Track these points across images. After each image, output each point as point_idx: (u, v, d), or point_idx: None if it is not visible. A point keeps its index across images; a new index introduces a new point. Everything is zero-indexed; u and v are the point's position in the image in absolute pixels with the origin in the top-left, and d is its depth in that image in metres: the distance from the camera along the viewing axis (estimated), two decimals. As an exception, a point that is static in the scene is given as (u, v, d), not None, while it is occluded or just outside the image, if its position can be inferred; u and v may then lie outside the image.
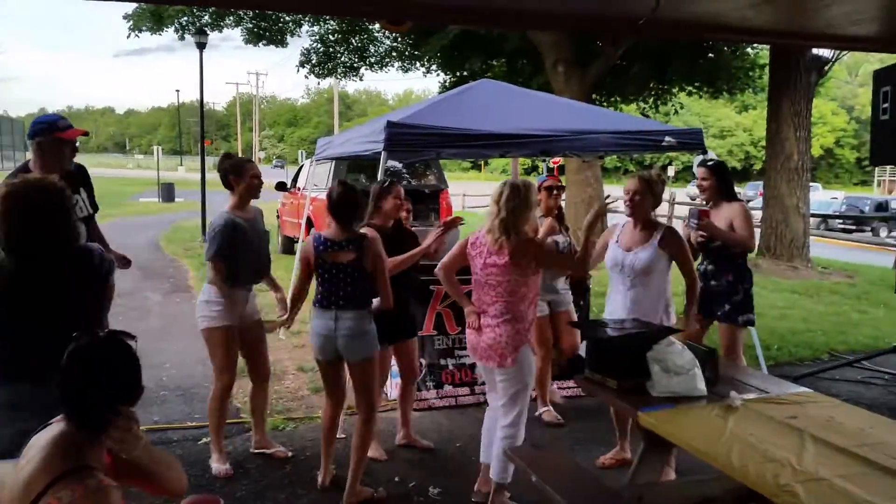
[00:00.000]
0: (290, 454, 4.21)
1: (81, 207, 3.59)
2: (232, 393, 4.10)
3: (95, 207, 3.83)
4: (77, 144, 3.65)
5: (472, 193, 26.72)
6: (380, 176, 4.95)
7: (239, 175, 3.88)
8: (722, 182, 4.38)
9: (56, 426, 1.61)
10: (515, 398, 3.44)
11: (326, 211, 3.59)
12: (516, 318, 3.38)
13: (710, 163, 4.58)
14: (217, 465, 3.95)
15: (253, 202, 4.01)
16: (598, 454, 4.23)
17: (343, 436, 4.25)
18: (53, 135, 3.37)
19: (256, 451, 4.22)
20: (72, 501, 1.41)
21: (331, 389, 3.77)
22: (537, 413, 4.87)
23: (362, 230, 3.67)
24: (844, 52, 13.07)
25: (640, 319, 3.57)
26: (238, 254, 3.82)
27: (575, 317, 4.98)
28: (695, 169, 4.67)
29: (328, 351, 3.58)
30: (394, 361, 4.35)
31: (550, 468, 2.98)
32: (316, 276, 3.58)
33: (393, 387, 4.80)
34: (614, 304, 3.87)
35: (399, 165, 10.46)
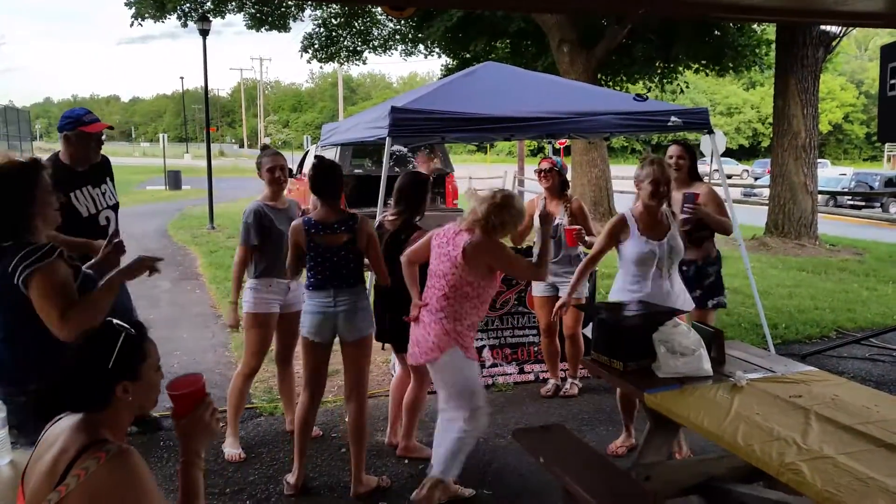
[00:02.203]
0: (321, 433, 4.29)
1: (110, 196, 3.91)
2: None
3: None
4: (103, 137, 3.86)
5: (477, 177, 26.65)
6: (384, 162, 4.97)
7: (259, 168, 4.04)
8: (693, 161, 4.38)
9: (68, 417, 1.68)
10: (458, 400, 3.27)
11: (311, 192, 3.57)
12: (451, 318, 3.22)
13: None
14: (230, 450, 4.01)
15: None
16: (606, 434, 4.27)
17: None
18: (79, 129, 3.64)
19: (290, 430, 4.27)
20: (97, 469, 1.49)
21: (311, 377, 3.59)
22: (546, 390, 4.95)
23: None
24: (852, 28, 12.91)
25: (644, 301, 3.58)
26: (264, 244, 3.89)
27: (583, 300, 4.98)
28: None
29: (325, 330, 3.47)
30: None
31: (557, 449, 3.01)
32: (308, 258, 3.50)
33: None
34: (650, 298, 3.65)
35: (404, 150, 10.45)
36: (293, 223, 3.53)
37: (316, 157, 3.67)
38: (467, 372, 3.28)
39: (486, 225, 3.18)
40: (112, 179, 4.02)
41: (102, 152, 3.98)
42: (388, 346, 4.97)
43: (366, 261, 3.56)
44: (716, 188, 4.48)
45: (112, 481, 1.49)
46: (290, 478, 3.62)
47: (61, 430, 1.64)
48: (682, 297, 3.83)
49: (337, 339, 3.55)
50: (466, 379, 3.28)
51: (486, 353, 5.21)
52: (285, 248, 3.63)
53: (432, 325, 3.26)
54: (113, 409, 1.66)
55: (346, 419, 3.69)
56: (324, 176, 3.48)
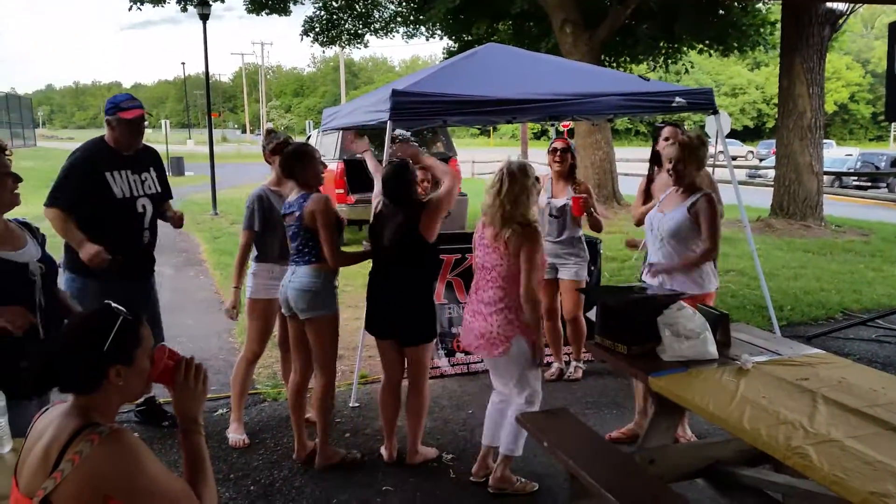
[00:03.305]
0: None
1: (151, 185, 3.94)
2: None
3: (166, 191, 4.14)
4: (146, 122, 3.90)
5: (480, 160, 26.57)
6: (386, 145, 4.92)
7: (265, 151, 4.14)
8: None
9: (55, 407, 1.68)
10: (522, 381, 3.38)
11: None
12: (509, 308, 3.28)
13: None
14: (234, 436, 4.02)
15: None
16: (610, 418, 4.26)
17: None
18: (118, 114, 3.72)
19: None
20: (91, 451, 1.49)
21: (295, 351, 3.75)
22: (550, 373, 4.94)
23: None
24: (859, 5, 12.74)
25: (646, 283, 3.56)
26: (265, 229, 3.91)
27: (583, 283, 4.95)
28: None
29: (285, 304, 3.65)
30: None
31: (561, 433, 2.99)
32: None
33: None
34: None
35: (407, 133, 10.38)
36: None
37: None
38: (531, 360, 3.34)
39: (504, 214, 3.23)
40: (159, 170, 4.05)
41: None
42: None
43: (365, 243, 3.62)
44: (721, 169, 4.42)
45: (108, 461, 1.50)
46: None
47: (51, 419, 1.63)
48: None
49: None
50: (531, 367, 3.36)
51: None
52: (278, 233, 3.75)
53: (493, 316, 3.30)
54: (104, 394, 1.64)
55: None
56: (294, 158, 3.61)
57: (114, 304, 1.71)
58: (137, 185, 3.86)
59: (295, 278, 3.56)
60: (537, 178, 3.43)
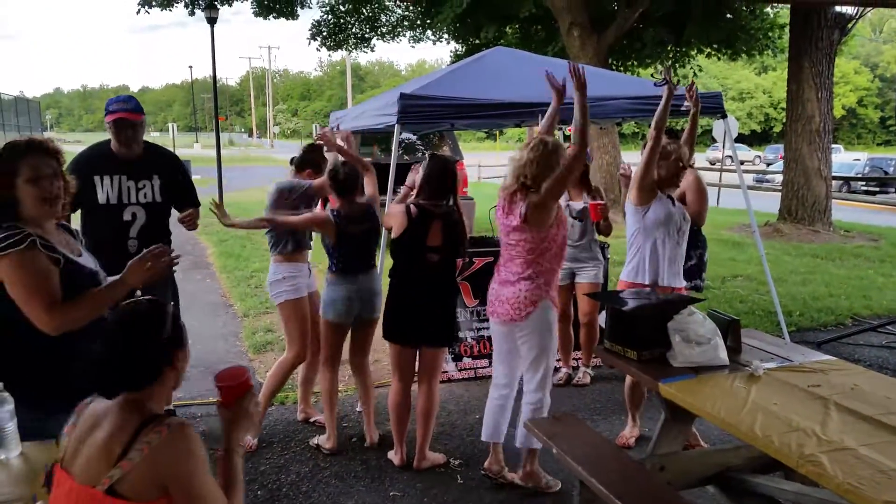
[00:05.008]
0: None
1: (147, 195, 3.75)
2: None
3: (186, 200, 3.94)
4: (138, 125, 3.66)
5: (487, 164, 26.56)
6: (393, 149, 4.92)
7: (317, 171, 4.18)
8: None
9: (101, 400, 1.72)
10: (538, 362, 3.39)
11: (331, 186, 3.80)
12: (536, 274, 3.31)
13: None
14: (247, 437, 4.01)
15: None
16: (619, 424, 4.23)
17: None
18: (105, 117, 3.65)
19: (301, 420, 4.33)
20: (160, 442, 1.58)
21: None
22: (558, 378, 4.92)
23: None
24: (868, 9, 12.68)
25: (658, 285, 3.56)
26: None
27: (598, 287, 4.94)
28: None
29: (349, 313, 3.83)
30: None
31: (570, 439, 2.97)
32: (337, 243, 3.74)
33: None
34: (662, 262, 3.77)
35: (413, 137, 10.38)
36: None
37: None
38: (553, 329, 3.39)
39: (522, 186, 3.26)
40: (168, 178, 3.82)
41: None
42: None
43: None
44: (729, 174, 4.40)
45: (175, 452, 1.59)
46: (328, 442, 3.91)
47: (103, 410, 1.68)
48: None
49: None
50: (552, 336, 3.40)
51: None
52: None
53: (521, 282, 3.33)
54: (160, 384, 1.71)
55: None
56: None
57: (147, 297, 1.77)
58: (131, 192, 3.70)
59: (366, 282, 3.78)
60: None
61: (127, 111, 3.60)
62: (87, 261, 2.41)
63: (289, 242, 3.96)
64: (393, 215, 3.59)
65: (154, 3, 16.05)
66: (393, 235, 3.59)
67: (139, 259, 2.33)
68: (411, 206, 3.54)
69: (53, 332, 2.15)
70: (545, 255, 3.31)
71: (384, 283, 3.81)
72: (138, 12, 16.11)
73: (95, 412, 1.69)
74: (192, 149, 50.43)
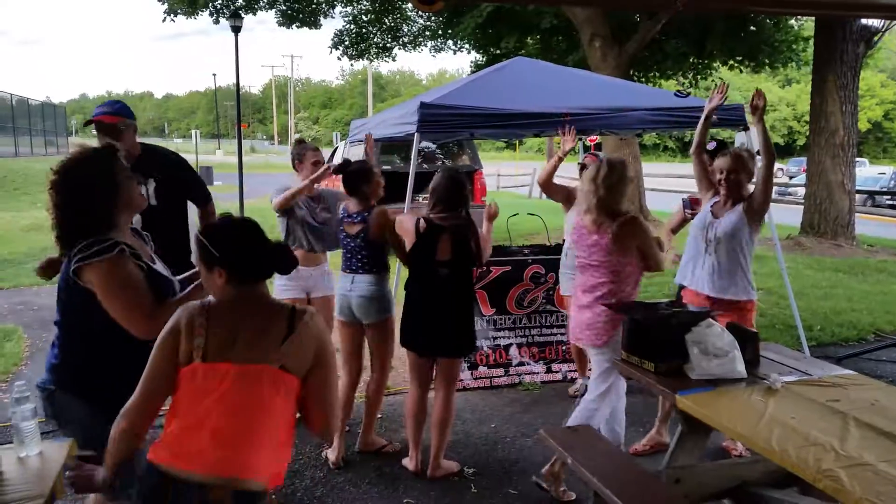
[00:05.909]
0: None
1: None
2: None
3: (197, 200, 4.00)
4: (114, 129, 3.55)
5: (506, 173, 26.55)
6: (413, 158, 4.94)
7: (300, 159, 4.43)
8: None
9: (207, 301, 2.03)
10: (606, 375, 3.44)
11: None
12: (617, 298, 3.38)
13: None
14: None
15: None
16: (634, 435, 4.20)
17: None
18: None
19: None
20: (312, 319, 1.99)
21: (352, 356, 3.99)
22: (574, 389, 4.89)
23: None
24: (895, 22, 12.54)
25: (679, 301, 3.54)
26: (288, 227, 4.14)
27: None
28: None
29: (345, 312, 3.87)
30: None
31: (585, 450, 2.96)
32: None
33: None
34: (695, 272, 3.83)
35: (433, 146, 10.42)
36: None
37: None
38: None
39: (599, 201, 3.34)
40: (165, 177, 3.73)
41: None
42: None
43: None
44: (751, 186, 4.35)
45: (320, 329, 2.03)
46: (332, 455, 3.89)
47: (230, 306, 1.98)
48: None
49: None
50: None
51: (513, 351, 5.18)
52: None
53: (598, 306, 3.38)
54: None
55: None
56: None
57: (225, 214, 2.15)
58: None
59: (356, 287, 3.75)
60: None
61: (104, 114, 3.54)
62: (161, 267, 2.40)
63: (296, 242, 4.16)
64: (404, 228, 3.62)
65: (179, 11, 16.31)
66: (406, 248, 3.64)
67: None
68: (420, 220, 3.56)
69: (149, 336, 2.08)
70: (626, 280, 3.40)
71: (399, 292, 3.84)
72: (164, 20, 16.39)
73: (220, 313, 1.94)
74: (215, 155, 50.93)
